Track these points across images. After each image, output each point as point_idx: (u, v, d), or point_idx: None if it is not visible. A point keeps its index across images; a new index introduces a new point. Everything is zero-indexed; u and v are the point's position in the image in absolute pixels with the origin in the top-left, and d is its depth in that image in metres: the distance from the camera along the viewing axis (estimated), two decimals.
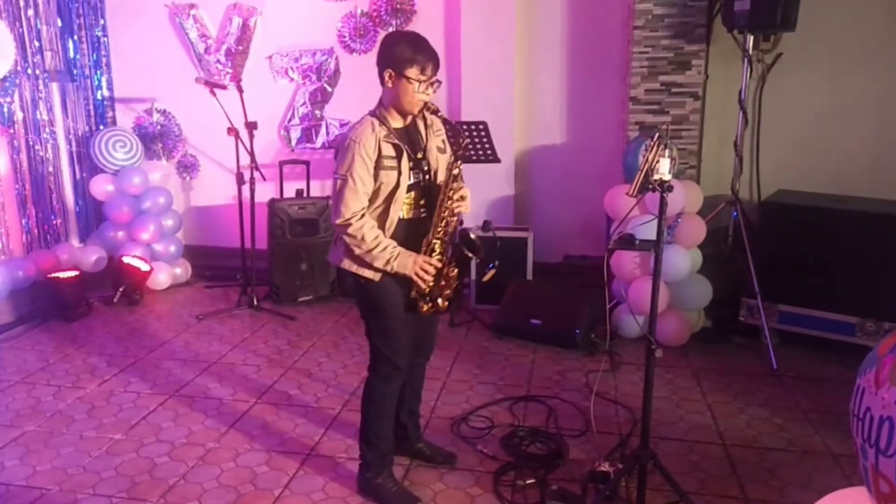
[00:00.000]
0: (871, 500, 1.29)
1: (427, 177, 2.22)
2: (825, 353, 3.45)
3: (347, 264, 2.21)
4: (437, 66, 2.13)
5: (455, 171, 2.18)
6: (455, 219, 2.25)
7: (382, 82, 2.14)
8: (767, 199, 3.76)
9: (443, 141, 2.29)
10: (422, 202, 2.23)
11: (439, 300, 2.25)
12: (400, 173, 2.13)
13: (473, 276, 4.24)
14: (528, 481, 2.41)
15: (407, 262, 2.15)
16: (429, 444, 2.58)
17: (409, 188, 2.18)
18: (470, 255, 2.21)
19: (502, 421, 2.89)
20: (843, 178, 3.81)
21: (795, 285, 3.49)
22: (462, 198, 2.21)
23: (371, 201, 2.14)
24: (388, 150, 2.12)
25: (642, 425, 2.22)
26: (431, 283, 2.20)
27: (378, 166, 2.10)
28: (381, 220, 2.16)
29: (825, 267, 3.39)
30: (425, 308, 2.24)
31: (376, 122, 2.14)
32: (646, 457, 2.20)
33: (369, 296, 2.23)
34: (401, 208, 2.17)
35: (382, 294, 2.21)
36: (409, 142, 2.18)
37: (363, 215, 2.12)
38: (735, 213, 3.75)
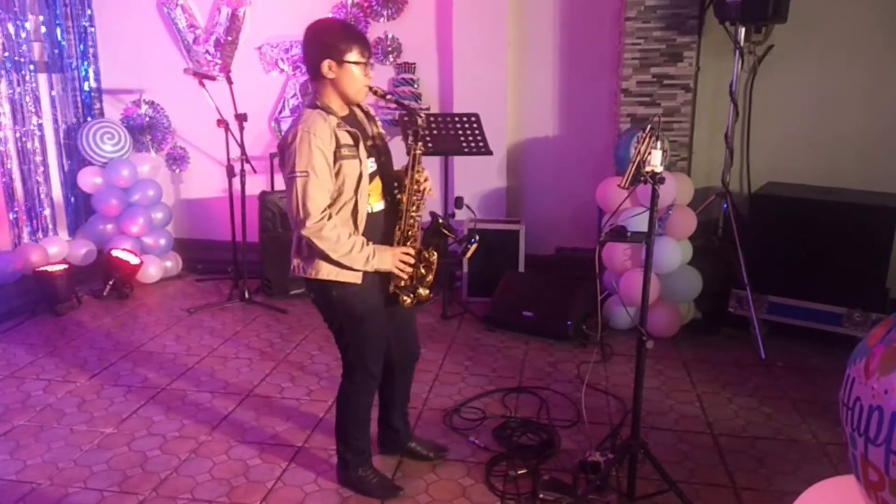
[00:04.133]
0: (859, 488, 1.30)
1: (384, 163, 2.16)
2: (813, 343, 3.49)
3: (325, 273, 2.04)
4: (371, 48, 2.06)
5: (417, 152, 2.11)
6: (424, 203, 2.16)
7: (318, 76, 2.01)
8: (757, 192, 3.78)
9: (382, 128, 2.24)
10: (387, 190, 2.15)
11: (420, 290, 2.19)
12: (361, 161, 2.03)
13: (465, 269, 4.24)
14: (520, 472, 2.42)
15: (385, 257, 2.07)
16: (419, 441, 2.56)
17: (371, 176, 2.08)
18: (447, 232, 2.16)
19: (494, 412, 2.90)
20: (832, 170, 3.84)
21: (784, 276, 3.51)
22: (427, 179, 2.15)
23: (337, 197, 2.02)
24: (345, 139, 2.00)
25: (633, 415, 2.24)
26: (412, 273, 2.15)
27: (337, 157, 1.98)
28: (353, 216, 2.04)
29: (814, 258, 3.42)
30: (408, 301, 2.16)
31: (323, 113, 2.00)
32: (636, 447, 2.22)
33: (343, 305, 2.10)
34: (368, 200, 2.07)
35: (358, 301, 2.10)
36: (359, 129, 2.09)
37: (331, 215, 1.99)
38: (725, 206, 3.77)
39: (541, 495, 2.27)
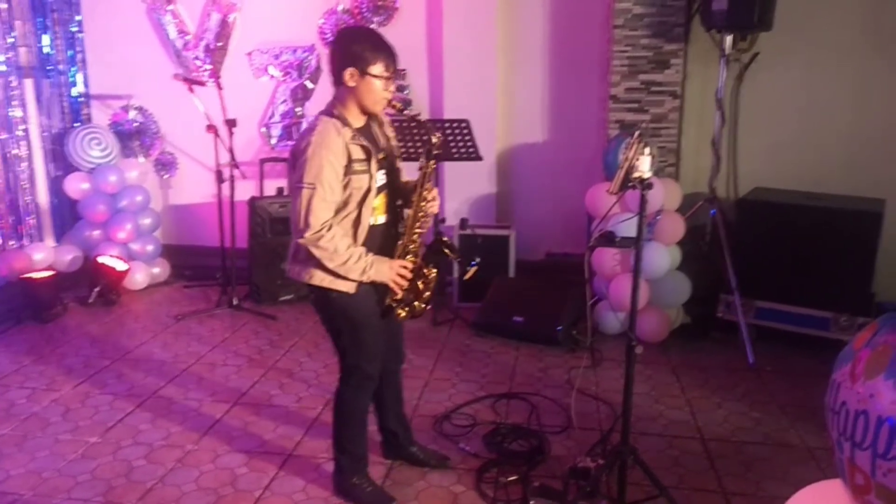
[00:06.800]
0: (846, 492, 1.31)
1: (393, 177, 2.17)
2: (801, 347, 3.51)
3: (319, 279, 2.07)
4: (397, 63, 2.07)
5: (428, 171, 2.12)
6: (428, 220, 2.18)
7: (340, 81, 2.03)
8: (744, 197, 3.81)
9: (395, 139, 2.26)
10: (391, 204, 2.18)
11: (416, 304, 2.20)
12: (371, 176, 2.05)
13: (455, 274, 4.24)
14: (511, 478, 2.42)
15: (382, 269, 2.08)
16: (421, 448, 2.56)
17: (379, 190, 2.11)
18: (450, 254, 2.18)
19: (485, 418, 2.89)
20: (818, 176, 3.87)
21: (772, 281, 3.54)
22: (434, 198, 2.17)
23: (341, 208, 2.04)
24: (357, 153, 2.02)
25: (623, 421, 2.24)
26: (407, 288, 2.16)
27: (348, 171, 2.00)
28: (354, 227, 2.06)
29: (801, 263, 3.45)
30: (402, 314, 2.19)
31: (338, 124, 2.02)
32: (626, 452, 2.22)
33: (341, 310, 2.12)
34: (371, 213, 2.08)
35: (356, 306, 2.12)
36: (372, 142, 2.10)
37: (331, 226, 2.00)
38: (713, 211, 3.80)
39: (531, 502, 2.26)
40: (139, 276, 4.61)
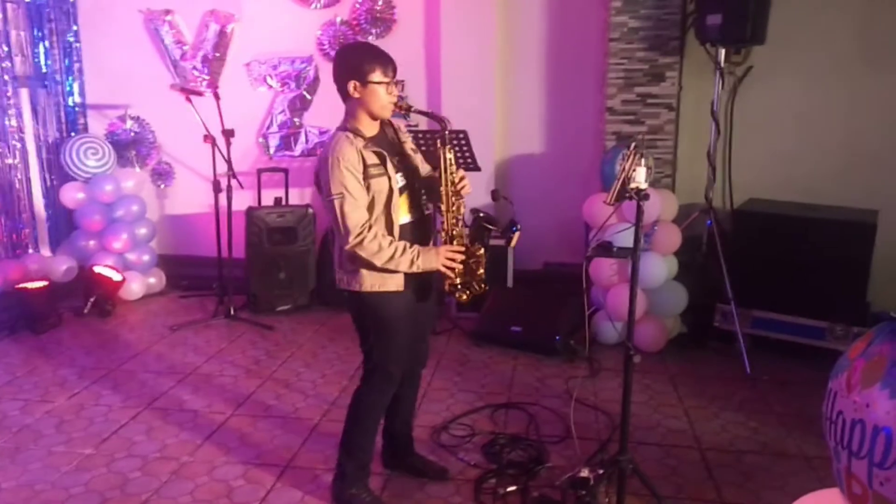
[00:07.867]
0: (844, 501, 1.31)
1: (412, 178, 2.25)
2: (796, 356, 3.52)
3: (368, 285, 2.14)
4: (395, 67, 2.17)
5: (449, 155, 2.20)
6: (462, 201, 2.26)
7: (346, 96, 2.15)
8: (740, 208, 3.83)
9: (413, 141, 2.38)
10: (415, 204, 2.26)
11: (474, 284, 2.25)
12: (389, 178, 2.14)
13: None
14: (510, 488, 2.41)
15: (430, 257, 2.15)
16: (420, 459, 2.57)
17: (401, 191, 2.18)
18: (490, 226, 2.23)
19: (483, 428, 2.89)
20: (812, 187, 3.90)
21: (768, 291, 3.56)
22: (463, 177, 2.25)
23: (370, 212, 2.13)
24: (372, 159, 2.12)
25: (621, 431, 2.24)
26: (462, 270, 2.22)
27: (366, 176, 2.10)
28: (388, 228, 2.15)
29: (796, 273, 3.47)
30: (464, 297, 2.25)
31: (350, 136, 2.13)
32: (625, 462, 2.22)
33: (372, 308, 2.18)
34: (400, 213, 2.17)
35: (391, 306, 2.18)
36: (387, 147, 2.20)
37: (371, 226, 2.10)
38: (709, 221, 3.82)
39: None
40: (135, 287, 4.59)
